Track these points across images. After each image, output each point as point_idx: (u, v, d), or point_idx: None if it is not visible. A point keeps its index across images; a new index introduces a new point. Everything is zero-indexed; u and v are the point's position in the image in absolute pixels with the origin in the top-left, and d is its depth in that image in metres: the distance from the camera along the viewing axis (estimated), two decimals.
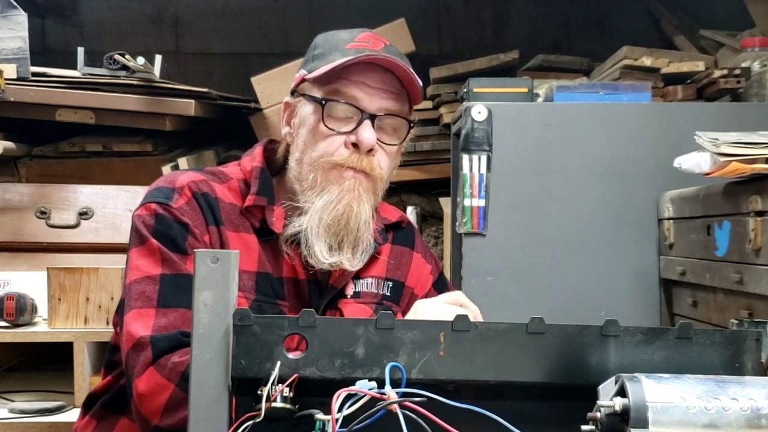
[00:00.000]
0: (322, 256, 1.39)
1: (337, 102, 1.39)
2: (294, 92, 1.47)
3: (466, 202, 2.09)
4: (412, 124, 1.45)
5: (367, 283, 1.50)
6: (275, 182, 1.47)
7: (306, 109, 1.43)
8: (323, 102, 1.40)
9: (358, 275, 1.48)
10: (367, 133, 1.38)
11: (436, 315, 1.28)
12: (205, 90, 2.62)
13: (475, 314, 1.35)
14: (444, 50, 3.40)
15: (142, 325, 1.27)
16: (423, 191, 2.90)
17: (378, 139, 1.40)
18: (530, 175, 2.11)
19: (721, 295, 1.76)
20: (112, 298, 2.02)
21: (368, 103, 1.39)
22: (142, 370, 1.25)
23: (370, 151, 1.39)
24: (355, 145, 1.39)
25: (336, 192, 1.39)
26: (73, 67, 2.53)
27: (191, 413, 0.86)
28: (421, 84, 1.44)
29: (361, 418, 0.84)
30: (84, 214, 2.41)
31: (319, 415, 0.85)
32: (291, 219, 1.42)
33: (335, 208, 1.38)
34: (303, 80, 1.44)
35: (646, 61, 2.41)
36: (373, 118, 1.39)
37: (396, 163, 1.48)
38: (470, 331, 0.90)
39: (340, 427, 0.83)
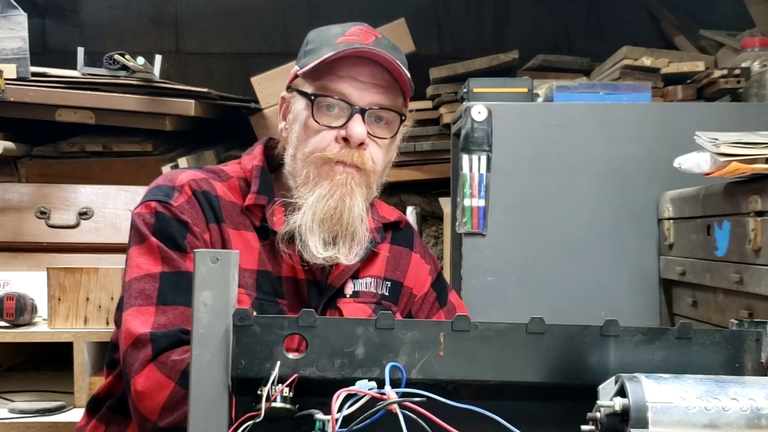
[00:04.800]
0: (316, 250, 1.38)
1: (327, 97, 1.40)
2: (289, 88, 1.48)
3: (466, 202, 2.09)
4: (404, 117, 1.45)
5: (366, 283, 1.50)
6: (274, 179, 1.47)
7: (298, 105, 1.44)
8: (313, 97, 1.40)
9: (356, 275, 1.48)
10: (357, 127, 1.38)
11: None
12: (205, 90, 2.62)
13: None
14: (444, 50, 3.40)
15: (141, 322, 1.27)
16: (423, 191, 2.90)
17: (369, 133, 1.40)
18: (530, 175, 2.11)
19: (721, 295, 1.76)
20: (112, 298, 2.02)
21: (358, 98, 1.39)
22: (141, 367, 1.24)
23: (361, 144, 1.39)
24: (345, 140, 1.39)
25: (328, 187, 1.39)
26: (73, 67, 2.53)
27: (191, 413, 0.86)
28: (409, 75, 1.43)
29: (361, 418, 0.84)
30: (84, 214, 2.41)
31: (319, 415, 0.85)
32: (288, 216, 1.42)
33: (327, 202, 1.38)
34: (296, 76, 1.45)
35: (646, 61, 2.41)
36: (363, 112, 1.39)
37: (391, 156, 1.48)
38: (470, 331, 0.90)
39: (340, 427, 0.83)
